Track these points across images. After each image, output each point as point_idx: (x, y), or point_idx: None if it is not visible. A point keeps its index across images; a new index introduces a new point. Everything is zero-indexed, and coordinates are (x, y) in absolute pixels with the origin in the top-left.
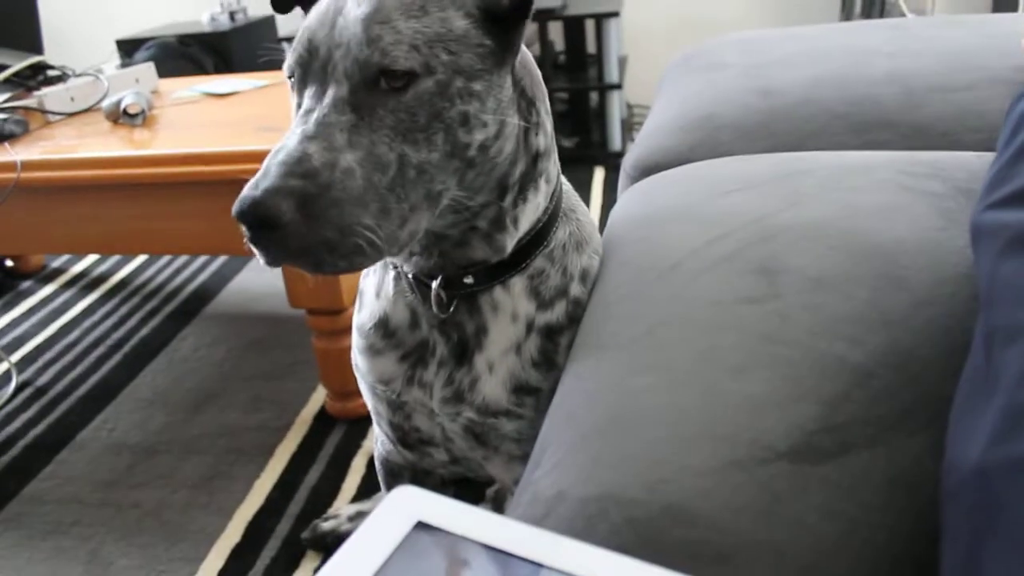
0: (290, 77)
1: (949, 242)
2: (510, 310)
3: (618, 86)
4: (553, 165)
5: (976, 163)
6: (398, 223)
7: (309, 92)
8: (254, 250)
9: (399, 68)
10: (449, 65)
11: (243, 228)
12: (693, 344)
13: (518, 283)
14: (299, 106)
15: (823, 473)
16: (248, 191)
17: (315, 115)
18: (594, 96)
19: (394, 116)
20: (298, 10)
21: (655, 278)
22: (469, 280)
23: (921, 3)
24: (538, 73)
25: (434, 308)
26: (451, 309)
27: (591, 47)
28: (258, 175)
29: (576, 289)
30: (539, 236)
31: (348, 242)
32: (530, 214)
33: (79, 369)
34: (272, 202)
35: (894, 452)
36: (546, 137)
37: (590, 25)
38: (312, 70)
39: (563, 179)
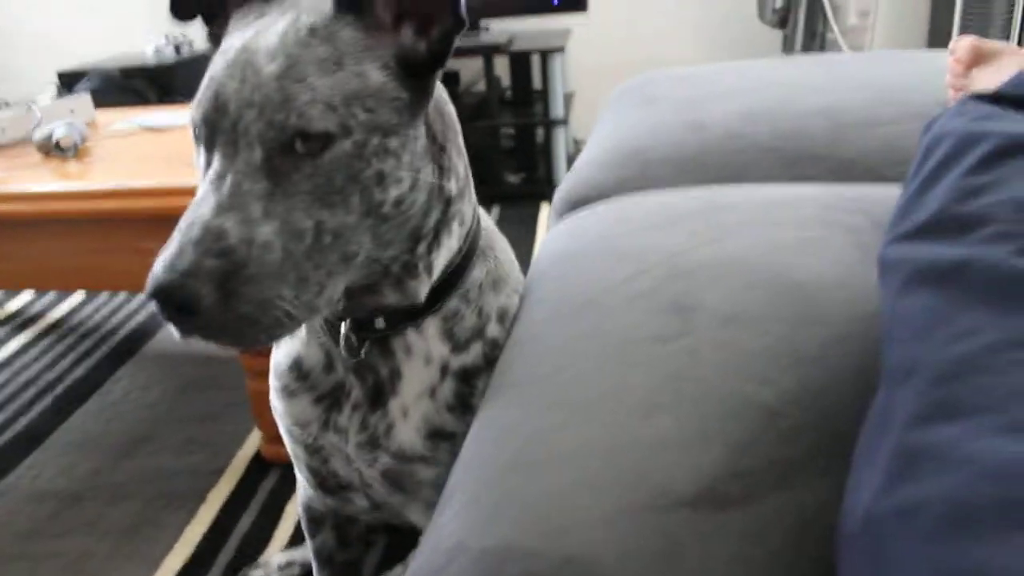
0: (192, 129)
1: (866, 277)
2: (423, 353)
3: (564, 122)
4: (467, 205)
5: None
6: (316, 290)
7: (219, 153)
8: (168, 324)
9: (315, 130)
10: (366, 124)
11: (155, 306)
12: (601, 383)
13: (431, 325)
14: (208, 164)
15: (729, 519)
16: (162, 272)
17: (228, 182)
18: (540, 132)
19: (310, 181)
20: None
21: (569, 315)
22: (380, 323)
23: (860, 40)
24: (451, 112)
25: (343, 352)
26: (363, 353)
27: (537, 83)
28: (171, 252)
29: (493, 330)
30: (453, 277)
31: (267, 316)
32: (443, 258)
33: (7, 413)
34: (190, 286)
35: (803, 495)
36: (458, 180)
37: (536, 61)
38: (221, 128)
39: (482, 215)
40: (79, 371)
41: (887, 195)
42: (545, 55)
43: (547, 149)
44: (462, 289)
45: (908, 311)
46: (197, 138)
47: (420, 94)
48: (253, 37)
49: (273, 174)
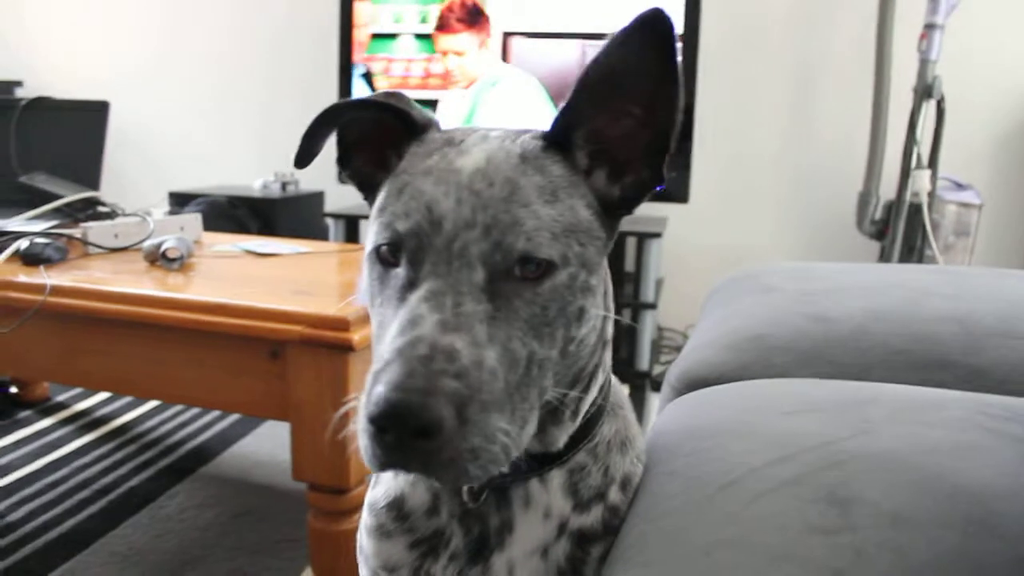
0: (389, 244)
1: None
2: (543, 506)
3: (653, 306)
4: (609, 355)
5: None
6: (521, 425)
7: (429, 270)
8: (369, 453)
9: (541, 256)
10: (579, 258)
11: (370, 432)
12: (753, 572)
13: (556, 477)
14: (410, 282)
15: None
16: (394, 391)
17: (449, 301)
18: (626, 313)
19: (528, 309)
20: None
21: (710, 494)
22: (504, 469)
23: (958, 257)
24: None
25: (464, 497)
26: (483, 499)
27: (629, 265)
28: (398, 371)
29: (615, 495)
30: (585, 428)
31: (491, 450)
32: (586, 405)
33: (56, 510)
34: (433, 407)
35: None
36: (611, 325)
37: (630, 243)
38: (433, 245)
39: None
40: (135, 481)
41: None
42: (642, 239)
43: (632, 332)
44: (591, 444)
45: None
46: (391, 252)
47: (611, 234)
48: (457, 159)
49: (494, 297)
